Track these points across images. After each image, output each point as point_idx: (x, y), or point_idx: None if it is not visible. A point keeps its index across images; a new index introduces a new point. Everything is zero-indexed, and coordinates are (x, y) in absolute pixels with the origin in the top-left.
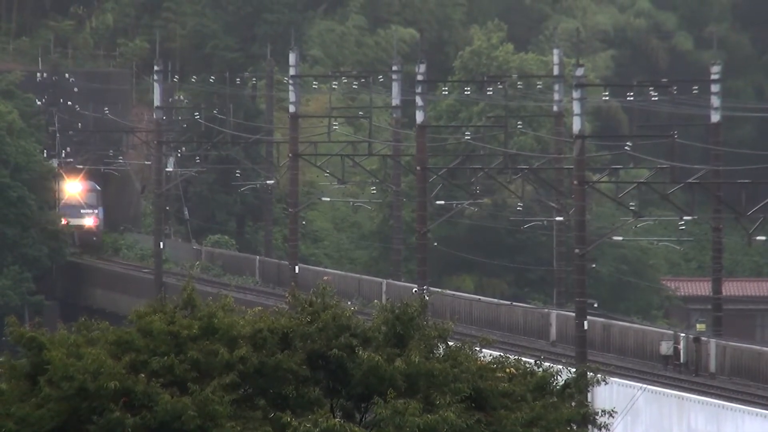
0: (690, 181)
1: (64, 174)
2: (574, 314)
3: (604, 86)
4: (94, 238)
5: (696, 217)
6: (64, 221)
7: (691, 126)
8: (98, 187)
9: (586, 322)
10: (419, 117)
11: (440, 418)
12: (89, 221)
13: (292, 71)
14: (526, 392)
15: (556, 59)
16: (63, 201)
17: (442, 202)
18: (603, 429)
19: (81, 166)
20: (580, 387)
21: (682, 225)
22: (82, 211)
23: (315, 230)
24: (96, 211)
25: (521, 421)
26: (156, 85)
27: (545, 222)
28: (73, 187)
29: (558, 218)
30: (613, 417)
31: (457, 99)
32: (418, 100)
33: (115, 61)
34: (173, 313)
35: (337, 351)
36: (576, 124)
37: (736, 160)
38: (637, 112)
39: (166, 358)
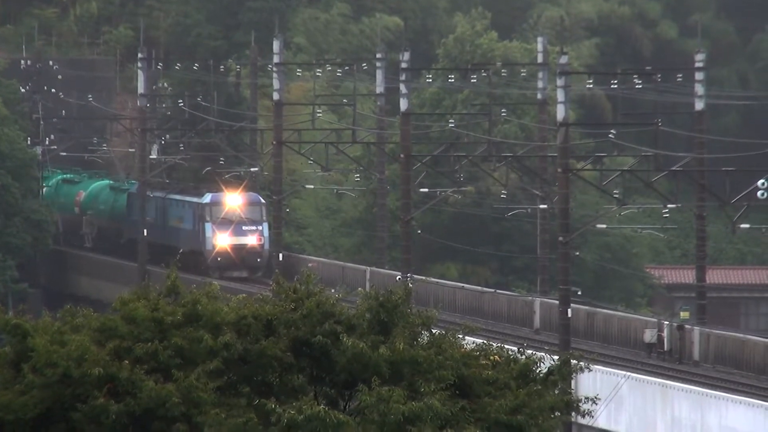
0: (674, 168)
1: (221, 184)
2: (557, 302)
3: (589, 74)
4: (259, 260)
5: (680, 205)
6: (222, 240)
7: (676, 114)
8: (262, 200)
9: (569, 310)
10: (403, 105)
11: (425, 405)
12: (252, 240)
13: (276, 59)
14: (510, 379)
15: (540, 47)
16: (221, 216)
17: (426, 189)
18: (586, 416)
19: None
20: (563, 374)
21: (666, 213)
22: (243, 228)
23: (299, 218)
24: (260, 227)
25: (505, 408)
26: (140, 73)
27: (529, 210)
28: (233, 200)
29: (542, 206)
30: (596, 404)
31: (441, 87)
32: (402, 88)
33: (99, 48)
34: (157, 300)
35: (321, 338)
36: (560, 112)
37: (720, 148)
38: (621, 100)
39: (149, 344)
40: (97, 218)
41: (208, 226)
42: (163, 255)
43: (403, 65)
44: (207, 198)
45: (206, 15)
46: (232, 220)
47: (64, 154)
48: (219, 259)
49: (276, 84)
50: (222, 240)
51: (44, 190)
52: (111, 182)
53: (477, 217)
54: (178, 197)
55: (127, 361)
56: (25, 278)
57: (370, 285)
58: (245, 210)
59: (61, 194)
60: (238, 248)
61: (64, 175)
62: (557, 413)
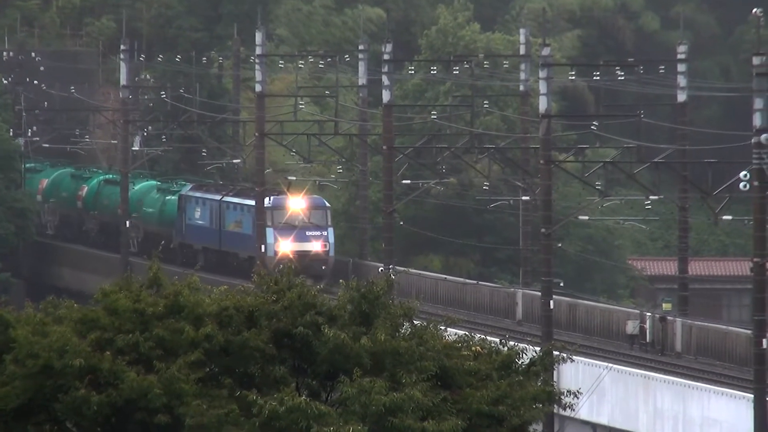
0: (656, 160)
1: (284, 187)
2: (540, 293)
3: (571, 66)
4: (323, 267)
5: (662, 196)
6: (284, 246)
7: (658, 105)
8: (327, 204)
9: (552, 302)
10: (386, 96)
11: (406, 396)
12: (316, 246)
13: (258, 50)
14: (492, 371)
15: (522, 39)
16: (283, 221)
17: (409, 181)
18: (568, 408)
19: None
20: (545, 365)
21: (648, 204)
22: (307, 233)
23: None
24: (324, 233)
25: (487, 399)
26: (122, 65)
27: (511, 201)
28: (296, 203)
29: (524, 198)
30: (578, 396)
31: (423, 78)
32: (385, 80)
33: (81, 40)
34: (139, 292)
35: (303, 329)
36: (542, 104)
37: (702, 140)
38: (603, 91)
39: (131, 336)
40: (144, 222)
41: (269, 231)
42: (218, 261)
43: (386, 57)
44: (268, 201)
45: (188, 6)
46: (295, 225)
47: (47, 145)
48: (281, 266)
49: (258, 76)
50: (284, 246)
51: (84, 191)
52: (158, 183)
53: (459, 209)
54: (236, 200)
55: (108, 353)
56: (7, 268)
57: (352, 276)
58: (309, 214)
59: (103, 195)
60: (302, 255)
61: (107, 176)
62: (539, 404)
